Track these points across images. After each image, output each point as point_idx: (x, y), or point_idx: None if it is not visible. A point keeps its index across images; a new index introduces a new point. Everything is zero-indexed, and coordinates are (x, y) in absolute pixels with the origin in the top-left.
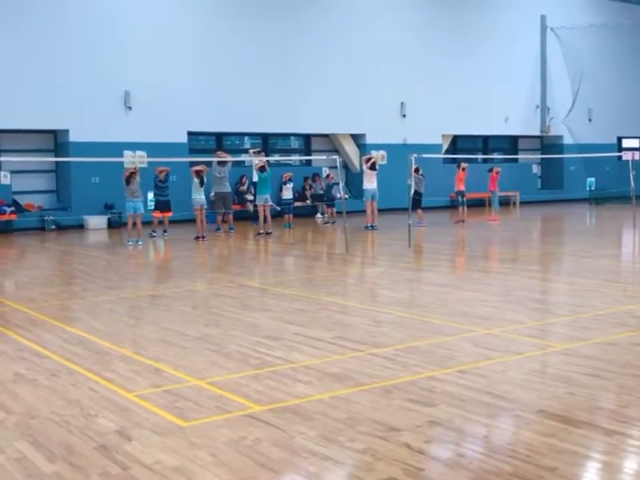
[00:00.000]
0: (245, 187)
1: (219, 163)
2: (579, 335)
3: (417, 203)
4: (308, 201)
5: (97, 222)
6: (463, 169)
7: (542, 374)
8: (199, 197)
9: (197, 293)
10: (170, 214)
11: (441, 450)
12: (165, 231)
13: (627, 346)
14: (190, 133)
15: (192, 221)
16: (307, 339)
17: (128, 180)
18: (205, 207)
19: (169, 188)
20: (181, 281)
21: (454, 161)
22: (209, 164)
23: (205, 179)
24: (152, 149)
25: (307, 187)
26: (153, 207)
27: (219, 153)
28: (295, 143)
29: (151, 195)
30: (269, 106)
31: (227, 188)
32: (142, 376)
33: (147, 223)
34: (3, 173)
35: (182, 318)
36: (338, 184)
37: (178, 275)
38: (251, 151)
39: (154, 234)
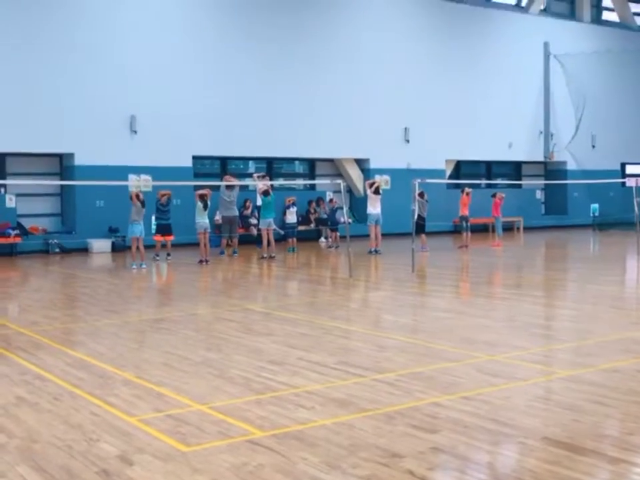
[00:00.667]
0: (249, 211)
1: (227, 186)
2: (584, 362)
3: (420, 227)
4: (312, 225)
5: (101, 245)
6: (467, 194)
7: (546, 401)
8: (203, 220)
9: (199, 317)
10: (171, 237)
11: (445, 477)
12: (168, 255)
13: (632, 373)
14: (195, 157)
15: (196, 244)
16: (310, 364)
17: (143, 202)
18: (209, 230)
19: (170, 212)
20: (184, 304)
21: (457, 186)
22: (213, 188)
23: (208, 203)
24: (157, 172)
25: (311, 211)
26: (154, 231)
27: (227, 177)
28: (299, 168)
29: (153, 219)
30: (273, 130)
31: (235, 212)
32: (144, 400)
33: (150, 247)
34: (8, 196)
35: (185, 342)
36: (342, 208)
37: (181, 298)
38: (255, 175)
39: (157, 257)
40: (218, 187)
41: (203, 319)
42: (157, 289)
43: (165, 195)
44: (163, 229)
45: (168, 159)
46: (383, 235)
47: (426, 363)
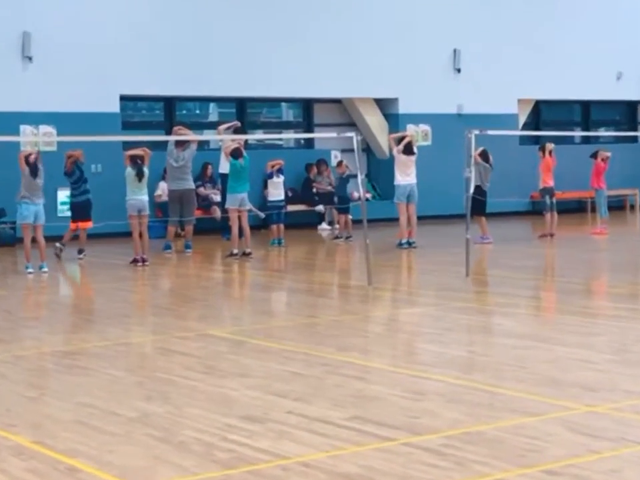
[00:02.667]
0: (209, 183)
1: (178, 144)
2: None
3: (479, 206)
4: (308, 204)
5: None
6: (550, 153)
7: None
8: (137, 197)
9: (133, 349)
10: (89, 224)
11: None
12: (80, 251)
13: None
14: (124, 98)
15: (125, 235)
16: (306, 421)
17: (34, 169)
18: (147, 212)
19: (86, 182)
20: (109, 329)
21: (537, 140)
22: (154, 145)
23: (145, 170)
24: (64, 122)
25: (309, 182)
26: (69, 213)
27: (177, 128)
28: (287, 114)
29: (62, 195)
30: (247, 57)
31: (189, 183)
32: (47, 479)
33: (53, 239)
34: None
35: (110, 387)
36: (355, 177)
37: (104, 320)
38: (221, 127)
39: (60, 251)
40: (162, 145)
41: (140, 351)
42: (67, 304)
43: (73, 157)
44: (76, 211)
45: (82, 100)
46: (419, 218)
47: (488, 419)
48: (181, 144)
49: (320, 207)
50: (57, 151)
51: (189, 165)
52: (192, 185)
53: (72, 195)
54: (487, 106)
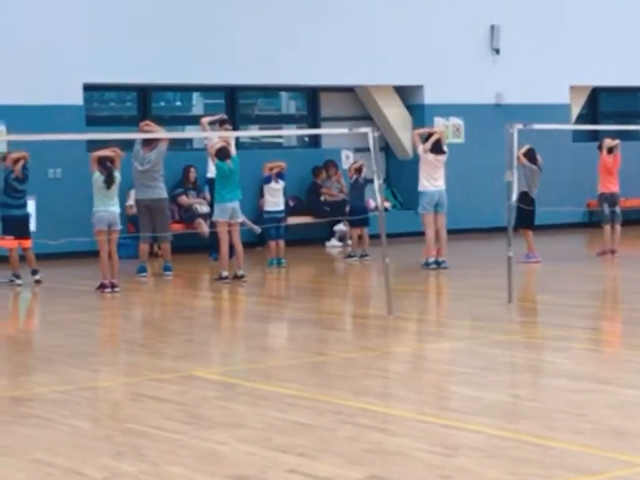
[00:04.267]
0: (192, 190)
1: (145, 143)
2: None
3: (526, 217)
4: (315, 216)
5: None
6: (610, 151)
7: None
8: (106, 209)
9: (100, 394)
10: (29, 243)
11: None
12: (34, 272)
13: None
14: (89, 88)
15: (91, 254)
16: None
17: None
18: (118, 227)
19: (26, 193)
20: (71, 370)
21: (595, 135)
22: (125, 146)
23: (116, 175)
24: (16, 117)
25: (316, 189)
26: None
27: (143, 124)
28: (288, 105)
29: None
30: (238, 37)
31: (158, 191)
32: None
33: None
34: None
35: (73, 442)
36: (371, 181)
37: (65, 359)
38: (205, 120)
39: (17, 280)
40: (132, 145)
41: (108, 397)
42: (20, 340)
43: (19, 159)
44: (16, 226)
45: (37, 90)
46: (449, 232)
47: (537, 478)
48: (148, 143)
49: (340, 227)
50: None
51: (158, 169)
52: (163, 194)
53: (12, 206)
54: (532, 94)
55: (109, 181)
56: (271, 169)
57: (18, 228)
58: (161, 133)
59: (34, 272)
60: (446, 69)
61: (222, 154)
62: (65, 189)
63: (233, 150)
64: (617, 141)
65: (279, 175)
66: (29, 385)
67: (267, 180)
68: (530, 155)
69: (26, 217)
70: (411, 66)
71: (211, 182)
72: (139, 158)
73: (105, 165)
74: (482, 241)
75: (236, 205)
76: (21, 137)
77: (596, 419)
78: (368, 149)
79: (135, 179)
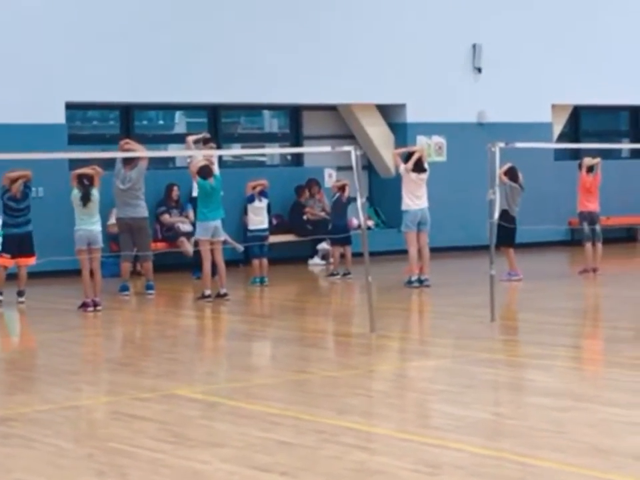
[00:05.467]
0: (174, 209)
1: (125, 162)
2: None
3: (507, 235)
4: (298, 234)
5: None
6: (589, 170)
7: None
8: (85, 227)
9: (82, 413)
10: (32, 260)
11: None
12: (21, 293)
13: None
14: (71, 107)
15: (73, 273)
16: None
17: None
18: (99, 246)
19: (29, 210)
20: (53, 389)
21: (576, 154)
22: (107, 165)
23: (93, 193)
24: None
25: (299, 207)
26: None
27: (123, 142)
28: (271, 123)
29: None
30: (221, 56)
31: (139, 210)
32: None
33: None
34: None
35: (55, 461)
36: (354, 200)
37: (47, 378)
38: (191, 138)
39: None
40: (114, 163)
41: (90, 416)
42: (1, 359)
43: (17, 179)
44: (18, 244)
45: (19, 109)
46: (432, 250)
47: None
48: (129, 162)
49: (324, 245)
50: None
51: (139, 187)
52: (143, 213)
53: (11, 225)
54: (514, 113)
55: (84, 199)
56: (254, 188)
57: (16, 246)
58: (142, 152)
59: (20, 293)
60: (428, 88)
61: (204, 172)
62: (47, 207)
63: (215, 168)
64: (597, 160)
65: (262, 193)
66: (11, 404)
67: (251, 199)
68: (511, 174)
69: (27, 235)
70: (394, 84)
71: (194, 201)
72: (120, 176)
73: (83, 182)
74: (464, 259)
75: (218, 223)
76: (2, 156)
77: (577, 437)
78: (351, 168)
79: (116, 197)
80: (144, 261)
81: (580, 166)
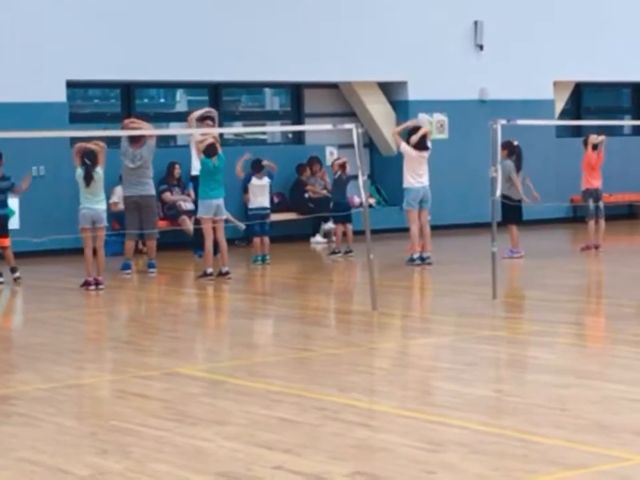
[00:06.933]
0: (176, 187)
1: (132, 140)
2: None
3: (510, 213)
4: (299, 212)
5: None
6: (594, 147)
7: None
8: (90, 206)
9: (85, 391)
10: (6, 241)
11: None
12: (14, 269)
13: None
14: (72, 85)
15: (75, 251)
16: (297, 478)
17: None
18: (103, 224)
19: (8, 191)
20: (55, 368)
21: (578, 131)
22: (110, 142)
23: (97, 171)
24: None
25: (301, 185)
26: None
27: (128, 121)
28: (272, 102)
29: None
30: (221, 33)
31: (147, 188)
32: None
33: None
34: None
35: (57, 439)
36: (355, 178)
37: (49, 356)
38: (194, 115)
39: None
40: (119, 141)
41: (93, 394)
42: (2, 338)
43: None
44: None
45: (20, 88)
46: (433, 228)
47: (521, 473)
48: (135, 140)
49: (330, 225)
50: None
51: (148, 166)
52: (151, 191)
53: None
54: (515, 90)
55: (87, 178)
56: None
57: None
58: (146, 130)
59: (13, 270)
60: (430, 65)
61: (210, 150)
62: (48, 186)
63: (218, 147)
64: (602, 137)
65: (264, 172)
66: (13, 382)
67: (251, 177)
68: (511, 149)
69: (3, 216)
70: (395, 62)
71: (194, 179)
72: (129, 155)
73: (85, 158)
74: (466, 236)
75: (220, 201)
76: (3, 135)
77: (579, 413)
78: (352, 146)
79: (124, 175)
80: (148, 239)
81: (585, 143)
